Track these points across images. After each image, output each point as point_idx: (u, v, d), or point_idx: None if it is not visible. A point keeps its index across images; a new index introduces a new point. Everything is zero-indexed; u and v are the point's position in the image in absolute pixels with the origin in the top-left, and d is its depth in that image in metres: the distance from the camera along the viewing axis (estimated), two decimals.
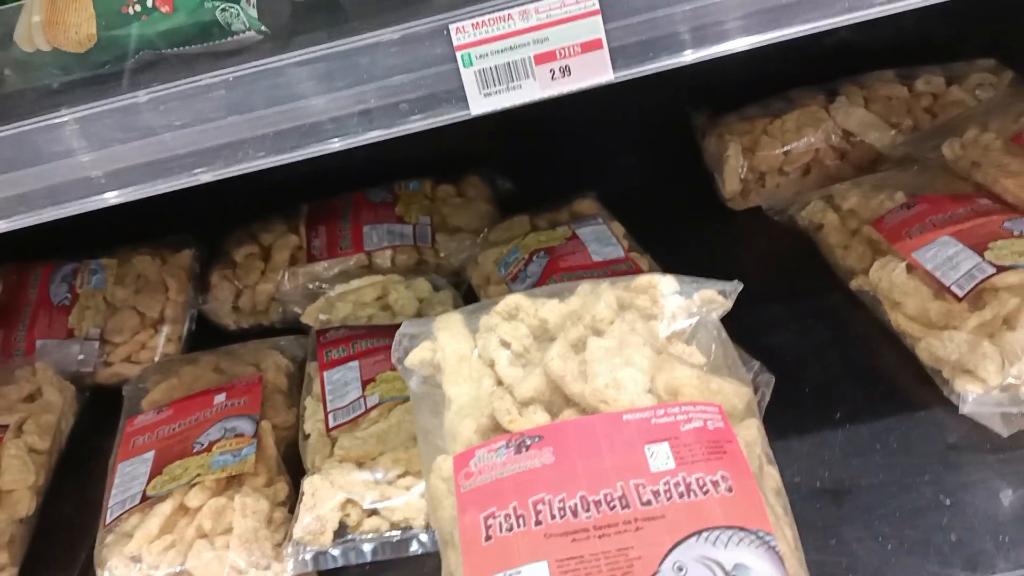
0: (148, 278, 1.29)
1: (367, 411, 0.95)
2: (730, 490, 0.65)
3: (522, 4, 0.63)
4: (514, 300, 0.80)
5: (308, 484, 0.88)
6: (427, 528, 0.85)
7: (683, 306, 0.78)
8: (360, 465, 0.90)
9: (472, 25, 0.63)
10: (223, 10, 0.68)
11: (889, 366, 0.96)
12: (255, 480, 0.91)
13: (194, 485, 0.90)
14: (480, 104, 0.65)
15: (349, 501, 0.86)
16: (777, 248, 1.22)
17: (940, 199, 1.04)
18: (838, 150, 1.27)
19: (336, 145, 0.67)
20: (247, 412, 0.99)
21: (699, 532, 0.63)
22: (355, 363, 1.03)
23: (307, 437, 0.98)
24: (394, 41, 0.64)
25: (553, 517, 0.65)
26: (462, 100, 0.65)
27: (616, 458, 0.67)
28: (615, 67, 0.64)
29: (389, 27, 0.64)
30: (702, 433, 0.68)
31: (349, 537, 0.85)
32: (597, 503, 0.65)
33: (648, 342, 0.74)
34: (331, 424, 0.95)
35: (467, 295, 1.22)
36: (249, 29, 0.69)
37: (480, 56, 0.64)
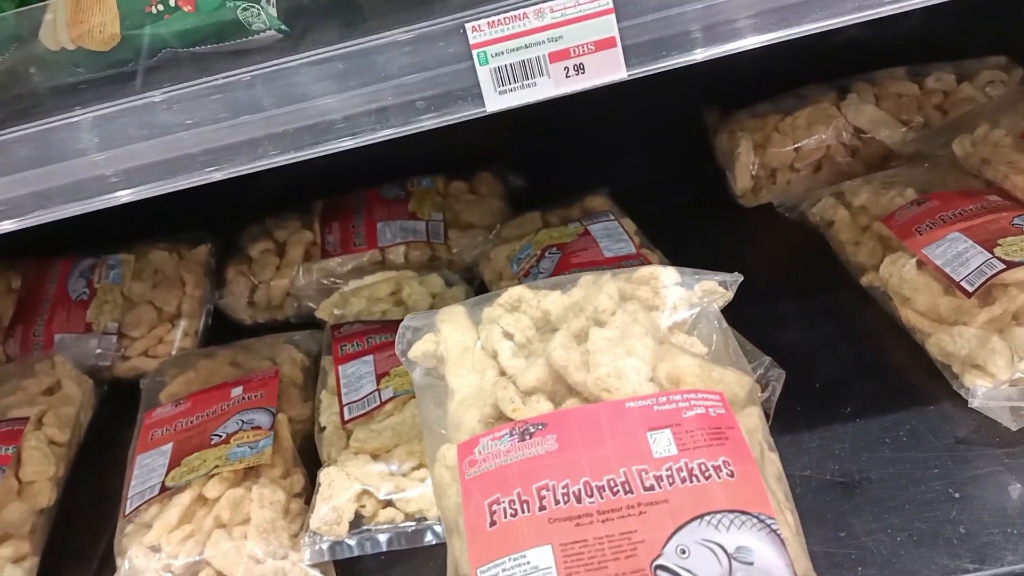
0: (165, 273, 1.30)
1: (382, 404, 0.96)
2: (732, 475, 0.66)
3: (537, 3, 0.64)
4: (517, 292, 0.81)
5: (324, 475, 0.89)
6: (440, 519, 0.86)
7: (684, 297, 0.79)
8: (375, 457, 0.91)
9: (488, 24, 0.64)
10: (244, 9, 0.69)
11: (899, 361, 0.97)
12: (272, 472, 0.92)
13: (212, 476, 0.91)
14: (495, 101, 0.66)
15: (365, 492, 0.87)
16: (788, 244, 1.22)
17: (950, 196, 1.04)
18: (849, 147, 1.27)
19: (351, 143, 0.68)
20: (264, 405, 1.00)
21: (701, 516, 0.63)
22: (369, 357, 1.04)
23: (323, 430, 0.99)
24: (410, 40, 0.65)
25: (557, 502, 0.65)
26: (478, 98, 0.66)
27: (619, 445, 0.67)
28: (628, 65, 0.65)
29: (405, 26, 0.65)
30: (704, 420, 0.69)
31: (365, 527, 0.86)
32: (600, 488, 0.65)
33: (650, 332, 0.74)
34: (346, 417, 0.97)
35: (479, 291, 1.21)
36: (269, 28, 0.70)
37: (496, 54, 0.65)
